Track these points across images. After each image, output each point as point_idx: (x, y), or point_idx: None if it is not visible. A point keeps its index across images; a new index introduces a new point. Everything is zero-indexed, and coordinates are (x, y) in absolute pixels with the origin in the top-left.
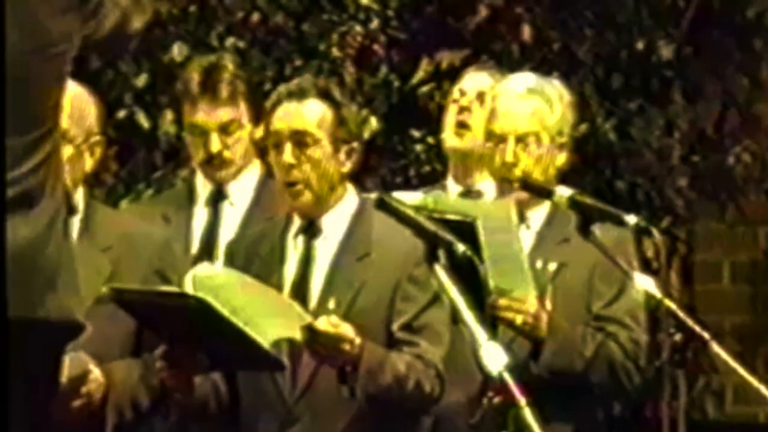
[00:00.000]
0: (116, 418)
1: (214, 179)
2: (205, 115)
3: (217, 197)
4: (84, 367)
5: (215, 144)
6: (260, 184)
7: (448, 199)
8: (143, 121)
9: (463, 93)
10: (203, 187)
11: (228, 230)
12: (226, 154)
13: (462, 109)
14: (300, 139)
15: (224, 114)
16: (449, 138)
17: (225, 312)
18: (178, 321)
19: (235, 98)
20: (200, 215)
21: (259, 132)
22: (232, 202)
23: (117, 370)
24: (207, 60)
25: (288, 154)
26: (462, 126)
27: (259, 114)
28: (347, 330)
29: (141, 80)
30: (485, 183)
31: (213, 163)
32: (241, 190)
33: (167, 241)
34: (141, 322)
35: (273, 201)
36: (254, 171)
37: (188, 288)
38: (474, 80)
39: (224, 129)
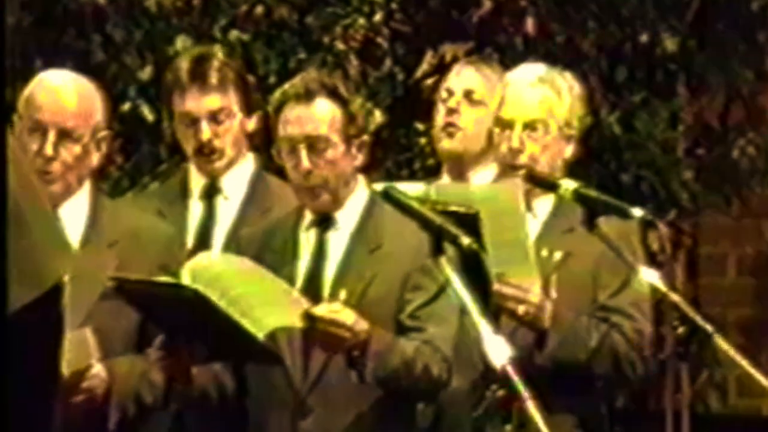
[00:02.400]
0: (119, 413)
1: (207, 171)
2: (194, 102)
3: (211, 191)
4: (86, 359)
5: (205, 132)
6: (254, 178)
7: (452, 186)
8: (147, 114)
9: (450, 92)
10: (196, 181)
11: (223, 224)
12: (216, 142)
13: (450, 111)
14: (314, 143)
15: (214, 101)
16: (439, 140)
17: (222, 303)
18: (175, 311)
19: (224, 86)
20: (195, 209)
21: (252, 124)
22: (226, 195)
23: (120, 365)
24: (196, 50)
25: (305, 160)
26: (451, 126)
27: (251, 104)
28: (347, 316)
29: (145, 73)
30: (480, 175)
31: (204, 152)
32: (235, 183)
33: (174, 235)
34: (141, 312)
35: (268, 195)
36: (247, 164)
37: (186, 279)
38: (461, 78)
39: (214, 117)
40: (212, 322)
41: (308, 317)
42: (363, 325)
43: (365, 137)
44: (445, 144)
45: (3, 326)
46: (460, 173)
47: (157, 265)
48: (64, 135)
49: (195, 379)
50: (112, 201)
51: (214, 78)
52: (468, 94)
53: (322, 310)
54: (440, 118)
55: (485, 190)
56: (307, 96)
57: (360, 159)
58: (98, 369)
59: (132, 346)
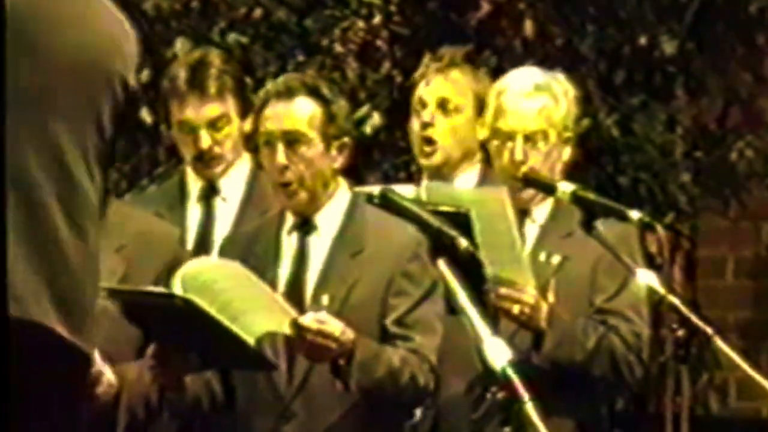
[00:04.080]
0: (128, 418)
1: (205, 176)
2: (193, 111)
3: (209, 193)
4: (96, 368)
5: (205, 140)
6: (251, 178)
7: (442, 188)
8: (146, 117)
9: (423, 104)
10: (194, 183)
11: (222, 225)
12: (216, 149)
13: (425, 125)
14: (291, 140)
15: (213, 110)
16: (419, 157)
17: (212, 310)
18: (167, 321)
19: (222, 93)
20: (193, 211)
21: (248, 125)
22: (224, 197)
23: (129, 371)
24: (192, 57)
25: (281, 155)
26: (428, 142)
27: (247, 107)
28: (334, 327)
29: (143, 76)
30: (462, 179)
31: (203, 160)
32: (233, 184)
33: (180, 237)
34: (133, 321)
35: (265, 195)
36: (244, 165)
37: (177, 287)
38: (432, 88)
39: (213, 125)
40: (205, 331)
41: (296, 326)
42: (349, 335)
43: (347, 139)
44: (425, 162)
45: (4, 331)
46: (442, 180)
47: (165, 269)
48: None
49: (188, 386)
50: (117, 203)
51: (212, 87)
52: (442, 104)
53: (309, 320)
54: (416, 133)
55: (474, 193)
56: (287, 94)
57: (340, 161)
58: (109, 375)
59: (141, 351)
